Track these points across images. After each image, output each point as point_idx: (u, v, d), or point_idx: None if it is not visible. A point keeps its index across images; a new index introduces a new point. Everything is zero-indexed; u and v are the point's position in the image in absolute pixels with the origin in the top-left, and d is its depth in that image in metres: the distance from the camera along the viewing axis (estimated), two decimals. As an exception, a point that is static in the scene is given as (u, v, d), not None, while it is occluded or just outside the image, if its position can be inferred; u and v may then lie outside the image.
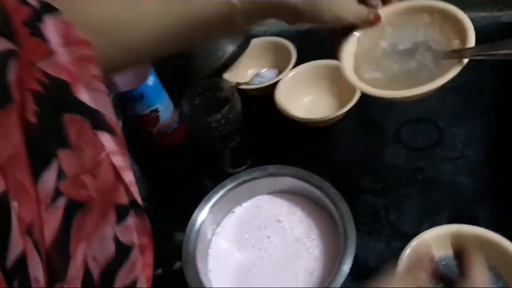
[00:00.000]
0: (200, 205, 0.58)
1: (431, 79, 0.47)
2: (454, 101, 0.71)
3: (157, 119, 0.72)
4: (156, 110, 0.71)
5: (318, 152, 0.71)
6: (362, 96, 0.69)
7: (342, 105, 0.70)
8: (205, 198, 0.59)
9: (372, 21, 0.51)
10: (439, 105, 0.72)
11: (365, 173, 0.66)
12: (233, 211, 0.62)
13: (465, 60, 0.47)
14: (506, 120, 0.67)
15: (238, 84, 0.76)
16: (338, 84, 0.76)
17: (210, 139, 0.65)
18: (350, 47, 0.52)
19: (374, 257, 0.58)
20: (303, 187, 0.58)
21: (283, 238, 0.58)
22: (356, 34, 0.52)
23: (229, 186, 0.60)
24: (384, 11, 0.52)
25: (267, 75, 0.84)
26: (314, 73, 0.77)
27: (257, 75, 0.85)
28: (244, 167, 0.70)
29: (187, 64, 0.80)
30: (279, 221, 0.59)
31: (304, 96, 0.78)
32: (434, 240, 0.51)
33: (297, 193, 0.61)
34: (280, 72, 0.82)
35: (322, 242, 0.56)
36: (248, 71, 0.86)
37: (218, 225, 0.60)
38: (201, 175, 0.73)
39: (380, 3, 0.52)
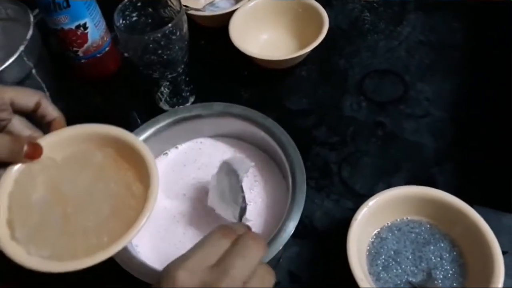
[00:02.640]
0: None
1: None
2: (423, 56, 0.65)
3: (84, 37, 0.60)
4: (84, 26, 0.59)
5: (271, 96, 0.63)
6: (325, 40, 0.61)
7: (303, 47, 0.62)
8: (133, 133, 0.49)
9: (29, 154, 0.37)
10: (407, 58, 0.65)
11: (320, 123, 0.59)
12: (165, 153, 0.52)
13: None
14: (477, 80, 0.62)
15: (187, 8, 0.65)
16: (302, 23, 0.67)
17: (146, 65, 0.54)
18: (4, 189, 0.37)
19: (320, 216, 0.52)
20: (252, 131, 0.50)
21: (221, 188, 0.49)
22: (13, 171, 0.37)
23: (163, 123, 0.51)
24: (48, 139, 0.39)
25: (221, 5, 0.74)
26: (276, 7, 0.68)
27: (210, 4, 0.74)
28: (184, 106, 0.61)
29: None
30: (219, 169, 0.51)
31: (262, 32, 0.69)
32: (390, 202, 0.45)
33: (244, 138, 0.52)
34: (237, 3, 0.71)
35: (266, 196, 0.48)
36: (200, -1, 0.75)
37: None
38: (131, 110, 0.62)
39: (37, 131, 0.41)
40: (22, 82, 0.50)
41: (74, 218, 0.36)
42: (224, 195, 0.44)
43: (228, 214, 0.43)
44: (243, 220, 0.42)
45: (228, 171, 0.44)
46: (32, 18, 0.52)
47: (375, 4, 0.73)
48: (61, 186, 0.37)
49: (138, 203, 0.37)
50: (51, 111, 0.41)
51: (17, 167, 0.37)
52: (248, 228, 0.37)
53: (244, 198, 0.42)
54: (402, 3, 0.73)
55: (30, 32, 0.50)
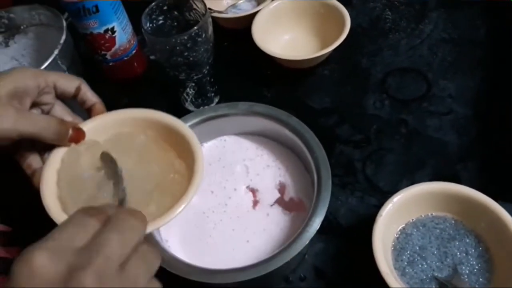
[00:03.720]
0: (155, 141, 0.50)
1: None
2: (445, 53, 0.65)
3: (112, 41, 0.62)
4: (112, 30, 0.61)
5: (293, 96, 0.64)
6: (346, 39, 0.62)
7: (325, 47, 0.62)
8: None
9: (73, 138, 0.40)
10: (430, 56, 0.66)
11: (344, 122, 0.60)
12: (192, 151, 0.54)
13: None
14: (499, 76, 0.61)
15: (211, 10, 0.66)
16: (323, 23, 0.68)
17: (173, 67, 0.55)
18: (53, 166, 0.39)
19: (345, 212, 0.53)
20: (276, 129, 0.51)
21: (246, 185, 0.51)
22: (60, 151, 0.40)
23: (191, 123, 0.52)
24: (89, 125, 0.42)
25: (244, 7, 0.75)
26: (298, 7, 0.69)
27: (232, 6, 0.75)
28: (209, 106, 0.62)
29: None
30: (245, 166, 0.52)
31: (284, 33, 0.70)
32: (414, 198, 0.46)
33: (267, 135, 0.54)
34: (259, 4, 0.73)
35: (291, 191, 0.49)
36: (223, 1, 0.76)
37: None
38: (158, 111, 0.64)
39: (77, 118, 0.43)
40: (56, 85, 0.53)
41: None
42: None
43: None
44: None
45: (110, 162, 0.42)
46: (64, 23, 0.54)
47: (396, 3, 0.73)
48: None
49: (182, 178, 0.39)
50: (90, 96, 0.43)
51: (63, 149, 0.40)
52: (120, 207, 0.33)
53: (124, 188, 0.38)
54: (424, 0, 0.73)
55: (64, 37, 0.52)
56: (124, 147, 0.41)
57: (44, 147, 0.40)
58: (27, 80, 0.38)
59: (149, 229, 0.33)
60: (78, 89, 0.42)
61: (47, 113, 0.42)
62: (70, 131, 0.39)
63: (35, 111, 0.41)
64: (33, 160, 0.40)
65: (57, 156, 0.39)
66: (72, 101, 0.43)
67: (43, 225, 0.36)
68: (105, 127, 0.42)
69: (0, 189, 0.57)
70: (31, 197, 0.52)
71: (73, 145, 0.40)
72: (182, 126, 0.42)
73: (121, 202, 0.36)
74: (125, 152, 0.40)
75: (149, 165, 0.40)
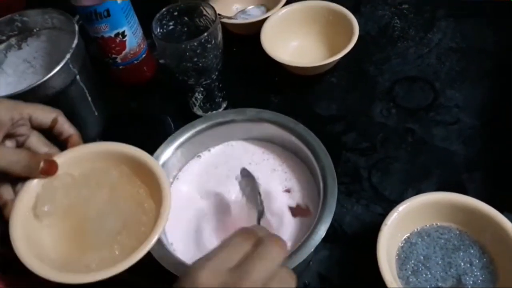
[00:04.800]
0: (162, 146, 0.51)
1: None
2: (453, 62, 0.66)
3: (123, 45, 0.63)
4: (122, 34, 0.62)
5: (300, 102, 0.65)
6: (355, 46, 0.62)
7: (333, 54, 0.63)
8: (169, 138, 0.52)
9: (45, 170, 0.40)
10: (438, 65, 0.66)
11: (350, 129, 0.60)
12: (199, 156, 0.55)
13: None
14: (507, 87, 0.61)
15: (220, 16, 0.67)
16: (332, 30, 0.68)
17: (182, 72, 0.56)
18: (25, 201, 0.40)
19: (350, 220, 0.53)
20: (283, 136, 0.52)
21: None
22: (33, 184, 0.40)
23: (199, 128, 0.53)
24: (64, 157, 0.42)
25: (253, 13, 0.76)
26: (307, 14, 0.69)
27: (242, 11, 0.76)
28: (217, 111, 0.63)
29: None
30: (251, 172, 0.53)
31: (293, 39, 0.70)
32: (420, 208, 0.46)
33: (274, 141, 0.54)
34: (268, 11, 0.73)
35: (298, 198, 0.50)
36: (232, 7, 0.77)
37: (180, 169, 0.53)
38: (165, 114, 0.65)
39: (53, 148, 0.43)
40: (67, 88, 0.53)
41: (87, 232, 0.38)
42: (246, 199, 0.46)
43: (251, 215, 0.44)
44: (262, 222, 0.43)
45: (247, 176, 0.46)
46: (77, 28, 0.55)
47: (405, 11, 0.73)
48: (77, 202, 0.40)
49: (149, 219, 0.39)
50: (67, 128, 0.43)
51: (36, 181, 0.40)
52: (267, 231, 0.37)
53: (262, 201, 0.44)
54: (433, 9, 0.73)
55: (76, 41, 0.53)
56: (97, 182, 0.41)
57: (16, 178, 0.40)
58: (0, 113, 0.38)
59: (108, 274, 0.35)
60: (54, 121, 0.42)
61: (22, 144, 0.42)
62: (42, 164, 0.39)
63: (9, 142, 0.40)
64: (4, 190, 0.40)
65: (30, 189, 0.40)
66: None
67: None
68: (80, 159, 0.42)
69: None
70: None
71: (48, 179, 0.40)
72: (153, 163, 0.42)
73: (259, 217, 0.42)
74: (99, 187, 0.41)
75: (119, 204, 0.40)
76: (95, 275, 0.35)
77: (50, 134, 0.43)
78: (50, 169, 0.40)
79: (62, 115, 0.43)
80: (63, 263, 0.38)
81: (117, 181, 0.42)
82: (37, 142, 0.42)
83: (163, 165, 0.49)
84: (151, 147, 0.50)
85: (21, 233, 0.38)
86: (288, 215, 0.48)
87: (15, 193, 0.40)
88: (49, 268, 0.36)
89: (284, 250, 0.33)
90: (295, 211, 0.49)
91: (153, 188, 0.41)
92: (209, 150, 0.55)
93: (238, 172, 0.51)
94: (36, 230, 0.39)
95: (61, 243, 0.40)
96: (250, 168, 0.53)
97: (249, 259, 0.31)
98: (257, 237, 0.33)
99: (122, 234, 0.38)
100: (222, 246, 0.32)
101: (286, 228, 0.48)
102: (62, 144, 0.44)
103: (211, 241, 0.47)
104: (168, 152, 0.50)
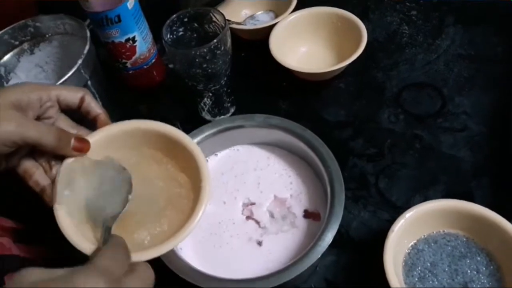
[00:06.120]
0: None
1: None
2: (461, 69, 0.66)
3: (133, 50, 0.64)
4: (133, 39, 0.62)
5: (308, 108, 0.65)
6: (363, 53, 0.62)
7: (341, 60, 0.63)
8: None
9: (77, 148, 0.40)
10: (446, 71, 0.66)
11: (358, 135, 0.61)
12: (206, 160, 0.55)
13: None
14: (517, 95, 0.61)
15: (229, 22, 0.68)
16: (340, 36, 0.69)
17: (191, 78, 0.57)
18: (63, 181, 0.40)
19: (357, 226, 0.53)
20: (290, 141, 0.52)
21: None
22: (68, 162, 0.40)
23: (207, 133, 0.53)
24: (94, 137, 0.42)
25: (262, 18, 0.76)
26: (315, 20, 0.70)
27: (251, 17, 0.77)
28: (225, 116, 0.63)
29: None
30: (257, 176, 0.53)
31: (301, 45, 0.71)
32: (427, 215, 0.46)
33: (281, 146, 0.54)
34: (277, 16, 0.74)
35: (304, 203, 0.50)
36: (241, 12, 0.78)
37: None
38: (174, 119, 0.65)
39: (82, 130, 0.43)
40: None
41: (132, 213, 0.38)
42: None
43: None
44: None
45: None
46: (88, 34, 0.56)
47: (413, 17, 0.74)
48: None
49: (187, 192, 0.39)
50: (94, 106, 0.43)
51: (70, 162, 0.40)
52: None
53: None
54: (441, 16, 0.73)
55: (87, 47, 0.54)
56: (128, 165, 0.41)
57: (48, 161, 0.40)
58: (29, 94, 0.39)
59: (165, 249, 0.35)
60: (82, 100, 0.42)
61: None
62: (73, 141, 0.39)
63: None
64: (40, 177, 0.40)
65: (67, 171, 0.39)
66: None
67: (54, 222, 0.37)
68: (110, 139, 0.42)
69: (11, 187, 0.58)
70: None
71: (76, 162, 0.40)
72: (185, 138, 0.42)
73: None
74: (130, 169, 0.40)
75: (154, 181, 0.40)
76: (155, 251, 0.36)
77: (78, 114, 0.43)
78: (82, 146, 0.40)
79: (89, 93, 0.43)
80: None
81: (144, 162, 0.42)
82: (65, 125, 0.42)
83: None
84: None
85: (69, 220, 0.37)
86: (295, 220, 0.49)
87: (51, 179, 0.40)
88: None
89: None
90: (303, 215, 0.49)
91: (185, 164, 0.41)
92: (216, 155, 0.56)
93: (246, 177, 0.52)
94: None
95: None
96: (256, 173, 0.53)
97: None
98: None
99: (167, 209, 0.39)
100: None
101: (293, 233, 0.48)
102: (90, 124, 0.44)
103: (221, 246, 0.48)
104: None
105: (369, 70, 0.68)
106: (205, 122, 0.54)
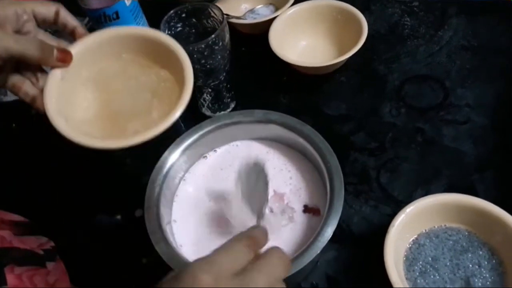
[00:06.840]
0: (170, 148, 0.51)
1: None
2: (464, 61, 0.65)
3: (132, 46, 0.63)
4: (132, 36, 0.62)
5: (309, 102, 0.64)
6: (364, 45, 0.62)
7: (342, 53, 0.62)
8: (178, 139, 0.52)
9: (60, 58, 0.41)
10: (448, 63, 0.65)
11: (359, 129, 0.60)
12: (205, 156, 0.55)
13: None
14: (521, 86, 0.60)
15: (228, 16, 0.67)
16: (340, 29, 0.68)
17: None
18: (53, 89, 0.41)
19: (358, 221, 0.53)
20: (290, 136, 0.52)
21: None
22: (57, 73, 0.42)
23: (207, 129, 0.53)
24: (74, 49, 0.43)
25: (262, 12, 0.76)
26: (315, 13, 0.69)
27: (250, 11, 0.76)
28: (225, 112, 0.63)
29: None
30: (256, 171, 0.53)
31: (302, 39, 0.70)
32: (428, 209, 0.46)
33: (280, 141, 0.54)
34: (277, 10, 0.73)
35: (304, 198, 0.50)
36: (241, 6, 0.77)
37: (187, 171, 0.54)
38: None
39: (62, 43, 0.43)
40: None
41: (122, 107, 0.41)
42: (251, 193, 0.45)
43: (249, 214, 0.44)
44: (270, 222, 0.45)
45: (255, 171, 0.45)
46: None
47: (415, 9, 0.73)
48: (105, 84, 0.43)
49: (172, 85, 0.42)
50: (70, 20, 0.44)
51: (58, 72, 0.41)
52: (266, 235, 0.37)
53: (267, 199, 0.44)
54: (444, 7, 0.72)
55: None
56: (112, 74, 0.43)
57: (34, 75, 0.41)
58: (4, 9, 0.40)
59: (158, 130, 0.38)
60: (57, 14, 0.43)
61: None
62: (56, 52, 0.40)
63: None
64: (28, 88, 0.41)
65: (55, 79, 0.41)
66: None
67: (59, 216, 0.37)
68: (91, 49, 0.43)
69: (18, 182, 0.58)
70: (48, 189, 0.53)
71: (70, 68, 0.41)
72: (162, 35, 0.44)
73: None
74: (114, 78, 0.43)
75: (138, 79, 0.43)
76: (148, 133, 0.38)
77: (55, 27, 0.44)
78: (65, 57, 0.41)
79: (63, 7, 0.44)
80: (109, 136, 0.40)
81: (127, 65, 0.44)
82: (45, 38, 0.43)
83: (170, 167, 0.50)
84: (161, 147, 0.50)
85: (60, 119, 0.39)
86: (294, 215, 0.48)
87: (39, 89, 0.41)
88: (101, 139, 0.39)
89: (286, 268, 0.33)
90: (307, 209, 0.49)
91: (167, 62, 0.43)
92: (215, 151, 0.56)
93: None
94: (72, 114, 0.41)
95: (100, 121, 0.42)
96: (256, 168, 0.53)
97: (251, 271, 0.31)
98: (258, 244, 0.33)
99: (154, 102, 0.41)
100: (223, 251, 0.32)
101: (292, 228, 0.48)
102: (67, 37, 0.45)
103: (221, 242, 0.48)
104: (175, 154, 0.51)
105: (370, 63, 0.67)
106: (205, 118, 0.54)
